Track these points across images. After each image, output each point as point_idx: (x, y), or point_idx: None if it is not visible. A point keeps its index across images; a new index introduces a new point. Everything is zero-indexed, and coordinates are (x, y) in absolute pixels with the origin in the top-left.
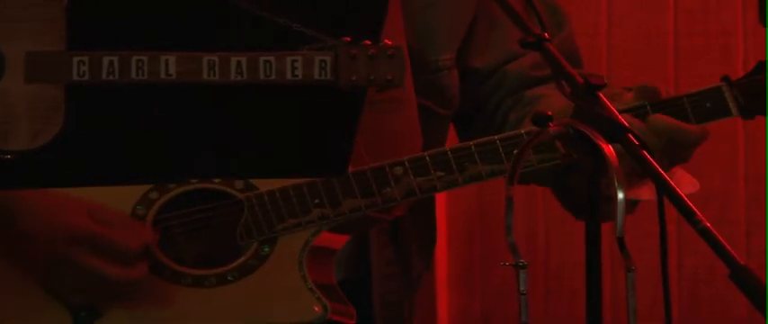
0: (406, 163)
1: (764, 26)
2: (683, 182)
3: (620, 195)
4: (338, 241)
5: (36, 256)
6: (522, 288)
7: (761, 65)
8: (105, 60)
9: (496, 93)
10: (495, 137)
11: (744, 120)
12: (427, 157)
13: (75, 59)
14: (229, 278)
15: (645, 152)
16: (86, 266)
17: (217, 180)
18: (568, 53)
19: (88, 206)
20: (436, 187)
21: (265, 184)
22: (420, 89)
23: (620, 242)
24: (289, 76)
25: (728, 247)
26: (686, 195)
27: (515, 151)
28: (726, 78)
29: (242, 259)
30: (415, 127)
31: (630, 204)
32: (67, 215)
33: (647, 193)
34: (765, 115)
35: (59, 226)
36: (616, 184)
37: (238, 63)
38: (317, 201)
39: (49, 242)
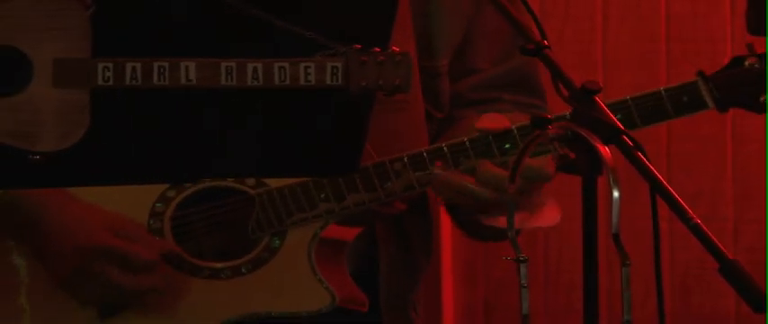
0: (406, 158)
1: (751, 34)
2: (546, 214)
3: (616, 194)
4: (348, 233)
5: (60, 265)
6: (523, 281)
7: (735, 60)
8: (128, 66)
9: None
10: (489, 134)
11: (719, 112)
12: (425, 153)
13: (100, 65)
14: (243, 270)
15: (639, 153)
16: (104, 276)
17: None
18: (524, 79)
19: (110, 221)
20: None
21: (275, 181)
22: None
23: (616, 238)
24: (302, 81)
25: (718, 243)
26: (545, 227)
27: (517, 148)
28: (701, 73)
29: (254, 252)
30: (421, 126)
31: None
32: (89, 228)
33: (544, 220)
34: (766, 114)
35: (84, 239)
36: (612, 183)
37: (254, 69)
38: (322, 196)
39: (73, 253)
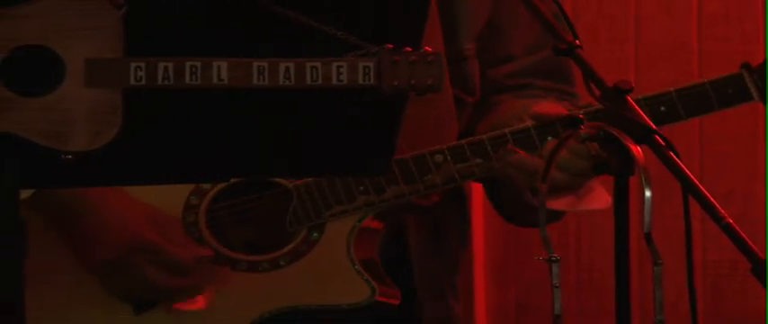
0: (446, 151)
1: None
2: (595, 198)
3: (648, 193)
4: (378, 222)
5: (97, 256)
6: (555, 281)
7: None
8: (161, 66)
9: None
10: (530, 125)
11: (763, 104)
12: (466, 145)
13: (133, 65)
14: (281, 263)
15: (671, 153)
16: (142, 273)
17: None
18: (556, 67)
19: (150, 215)
20: (475, 174)
21: None
22: (449, 78)
23: (648, 237)
24: (334, 81)
25: (750, 243)
26: (594, 210)
27: (548, 146)
28: (746, 65)
29: (292, 245)
30: (451, 114)
31: (557, 215)
32: (132, 222)
33: (594, 202)
34: (766, 109)
35: (123, 232)
36: (644, 182)
37: (287, 69)
38: (362, 188)
39: (111, 245)
